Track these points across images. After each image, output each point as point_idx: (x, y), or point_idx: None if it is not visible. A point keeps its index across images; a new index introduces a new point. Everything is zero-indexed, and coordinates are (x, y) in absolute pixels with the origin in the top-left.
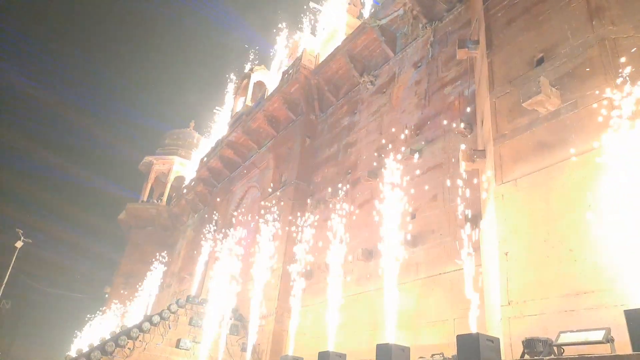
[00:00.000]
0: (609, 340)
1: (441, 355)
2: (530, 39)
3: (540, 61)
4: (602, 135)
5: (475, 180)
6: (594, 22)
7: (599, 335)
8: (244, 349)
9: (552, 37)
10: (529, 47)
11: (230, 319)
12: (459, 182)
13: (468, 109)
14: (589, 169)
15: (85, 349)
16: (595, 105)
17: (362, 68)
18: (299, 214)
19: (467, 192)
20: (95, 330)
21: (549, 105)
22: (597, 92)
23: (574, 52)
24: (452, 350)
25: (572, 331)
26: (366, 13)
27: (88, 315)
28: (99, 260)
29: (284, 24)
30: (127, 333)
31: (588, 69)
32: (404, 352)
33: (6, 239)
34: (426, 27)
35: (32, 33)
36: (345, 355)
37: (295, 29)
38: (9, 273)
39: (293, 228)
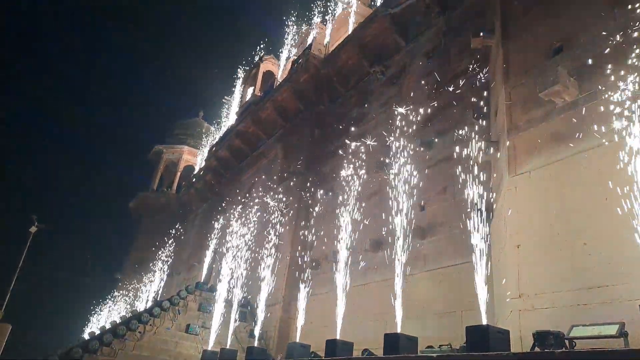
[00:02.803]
0: (622, 334)
1: (449, 346)
2: (548, 27)
3: (558, 50)
4: (621, 128)
5: (486, 173)
6: (616, 10)
7: (612, 330)
8: (251, 336)
9: (572, 26)
10: (546, 36)
11: (239, 306)
12: (470, 175)
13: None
14: (606, 161)
15: (98, 333)
16: (615, 97)
17: (373, 58)
18: (307, 204)
19: (478, 185)
20: (107, 314)
21: (566, 96)
22: (618, 82)
23: (594, 41)
24: (460, 342)
25: (584, 325)
26: (377, 1)
27: (100, 300)
28: (110, 246)
29: (294, 13)
30: (137, 317)
31: (609, 59)
32: (412, 342)
33: (21, 224)
34: (439, 16)
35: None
36: (352, 343)
37: (305, 17)
38: (23, 258)
39: (301, 218)
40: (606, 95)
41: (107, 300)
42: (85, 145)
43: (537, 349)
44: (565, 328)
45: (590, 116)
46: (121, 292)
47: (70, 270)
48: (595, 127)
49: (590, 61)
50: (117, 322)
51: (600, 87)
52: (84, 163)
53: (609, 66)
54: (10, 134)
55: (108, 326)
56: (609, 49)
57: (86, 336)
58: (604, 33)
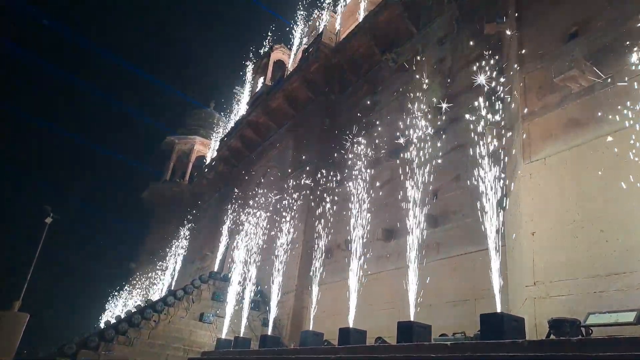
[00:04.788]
0: None
1: (463, 334)
2: (564, 12)
3: (574, 35)
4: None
5: (500, 160)
6: None
7: (629, 317)
8: (265, 324)
9: (587, 10)
10: (561, 20)
11: (252, 294)
12: (484, 162)
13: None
14: (623, 147)
15: (113, 322)
16: (633, 81)
17: (384, 45)
18: (318, 193)
19: (492, 172)
20: (122, 303)
21: (582, 81)
22: (635, 67)
23: (610, 25)
24: (474, 330)
25: (601, 312)
26: None
27: (115, 290)
28: (124, 236)
29: (304, 1)
30: (152, 306)
31: (626, 43)
32: (425, 330)
33: (36, 215)
34: (451, 2)
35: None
36: (365, 332)
37: (316, 5)
38: (39, 248)
39: (313, 207)
40: (623, 80)
41: (122, 289)
42: (98, 136)
43: (552, 337)
44: (582, 315)
45: (607, 101)
46: (136, 281)
47: (85, 261)
48: (613, 112)
49: (606, 45)
50: (132, 311)
51: (617, 71)
52: (97, 154)
53: (626, 50)
54: (23, 127)
55: (123, 315)
56: (625, 32)
57: (102, 325)
58: (620, 17)
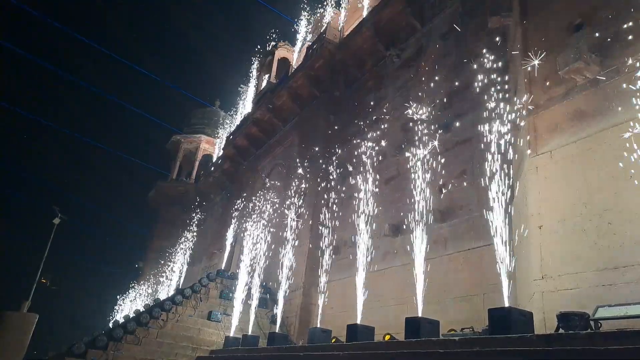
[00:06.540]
0: None
1: (471, 329)
2: (568, 3)
3: (579, 27)
4: None
5: (506, 154)
6: None
7: (639, 310)
8: (273, 322)
9: (592, 1)
10: (566, 12)
11: (260, 292)
12: (489, 156)
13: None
14: (630, 138)
15: (122, 321)
16: (639, 72)
17: (388, 41)
18: (324, 190)
19: (498, 166)
20: (130, 303)
21: (587, 73)
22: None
23: (616, 16)
24: (482, 325)
25: (610, 305)
26: None
27: (123, 289)
28: (131, 236)
29: None
30: (160, 305)
31: (632, 34)
32: (434, 326)
33: (44, 216)
34: None
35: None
36: (373, 328)
37: (320, 2)
38: (47, 250)
39: (319, 204)
40: (629, 71)
41: (130, 289)
42: (103, 136)
43: (561, 331)
44: (590, 309)
45: (613, 93)
46: (143, 280)
47: (92, 260)
48: (619, 103)
49: (611, 37)
50: (141, 310)
51: (623, 62)
52: (103, 154)
53: (632, 41)
54: (29, 127)
55: (132, 314)
56: (631, 23)
57: (111, 325)
58: (625, 7)
